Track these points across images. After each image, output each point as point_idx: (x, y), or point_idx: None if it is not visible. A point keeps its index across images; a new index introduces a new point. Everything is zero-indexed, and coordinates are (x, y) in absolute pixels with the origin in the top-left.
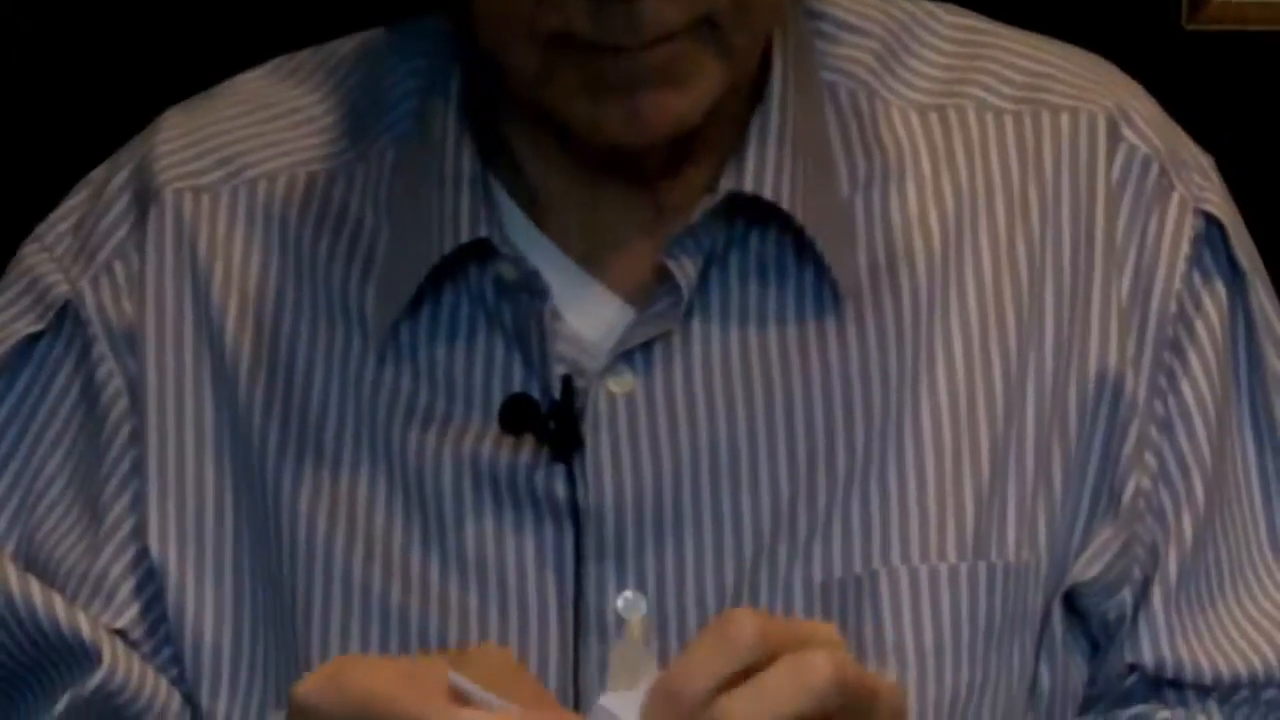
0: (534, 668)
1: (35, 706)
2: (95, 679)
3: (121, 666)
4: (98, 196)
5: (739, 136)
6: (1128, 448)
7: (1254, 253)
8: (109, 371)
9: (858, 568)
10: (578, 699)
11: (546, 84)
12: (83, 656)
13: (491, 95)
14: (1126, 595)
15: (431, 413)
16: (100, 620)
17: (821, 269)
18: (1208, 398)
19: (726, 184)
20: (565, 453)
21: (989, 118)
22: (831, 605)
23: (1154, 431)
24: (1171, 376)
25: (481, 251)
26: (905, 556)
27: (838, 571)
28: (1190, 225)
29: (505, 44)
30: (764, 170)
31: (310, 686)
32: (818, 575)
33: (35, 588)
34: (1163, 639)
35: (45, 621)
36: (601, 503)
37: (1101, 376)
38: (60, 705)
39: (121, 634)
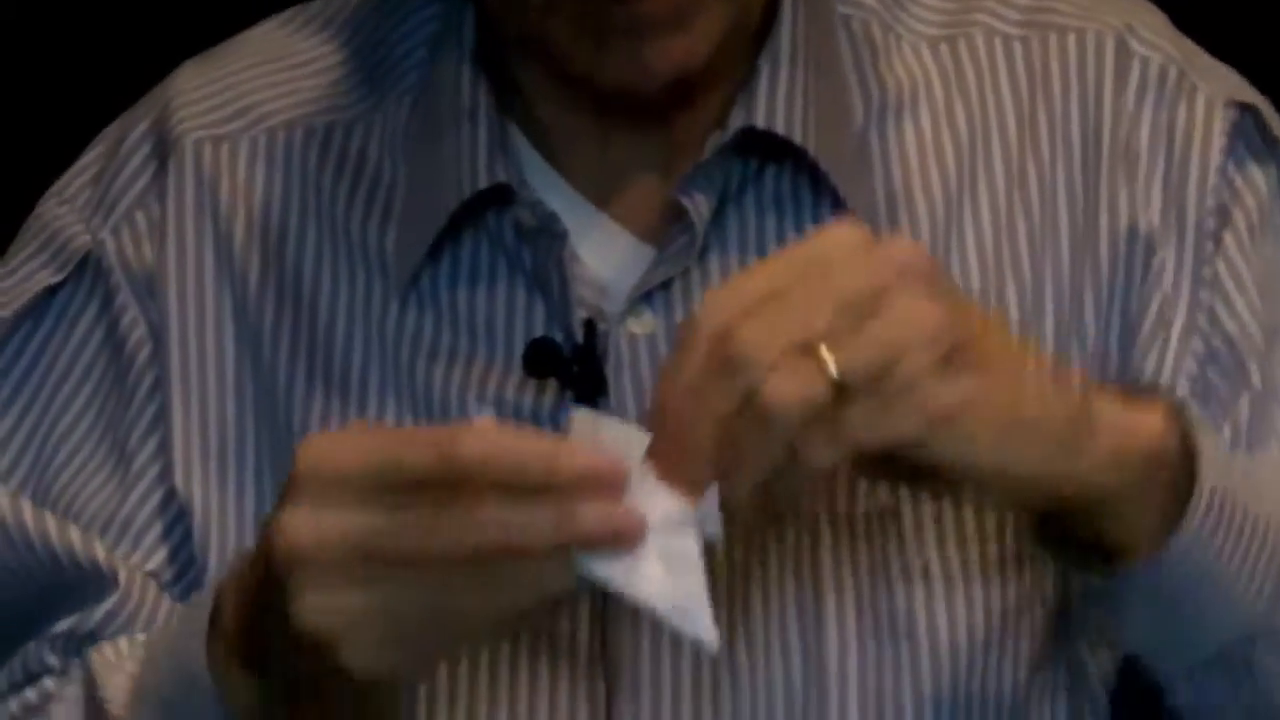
0: (564, 608)
1: (31, 629)
2: (107, 604)
3: (135, 597)
4: (116, 150)
5: (750, 68)
6: (1150, 316)
7: None
8: (133, 319)
9: (883, 497)
10: (605, 643)
11: (551, 29)
12: (95, 584)
13: (502, 40)
14: None
15: (455, 355)
16: (129, 560)
17: (837, 201)
18: (1249, 282)
19: (737, 120)
20: (589, 396)
21: (997, 43)
22: (857, 529)
23: (1201, 319)
24: (1213, 265)
25: (500, 196)
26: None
27: (861, 506)
28: (1221, 117)
29: None
30: (775, 104)
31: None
32: (841, 504)
33: (51, 520)
34: None
35: (60, 550)
36: None
37: (1114, 246)
38: (62, 625)
39: (153, 576)
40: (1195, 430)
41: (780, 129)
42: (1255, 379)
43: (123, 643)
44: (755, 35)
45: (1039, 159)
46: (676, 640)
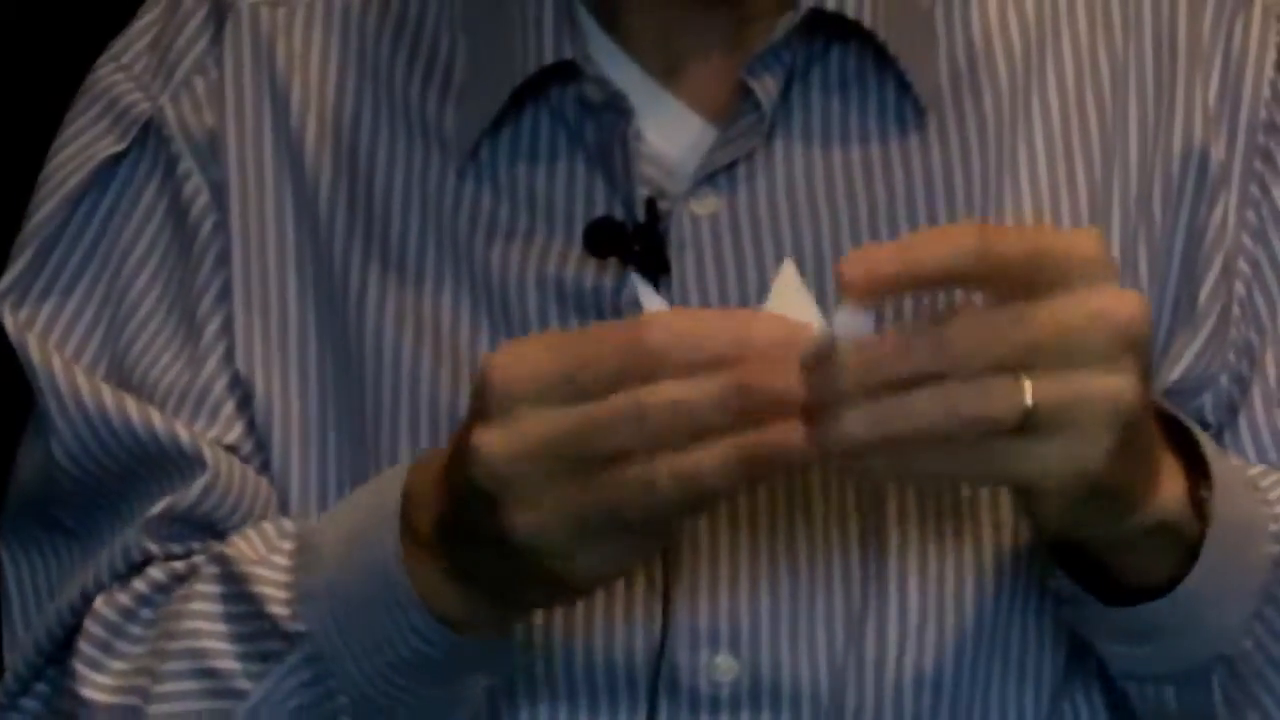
0: None
1: (124, 517)
2: (199, 484)
3: (224, 473)
4: (172, 13)
5: None
6: (1213, 226)
7: None
8: (195, 187)
9: None
10: None
11: None
12: (184, 464)
13: None
14: (1207, 400)
15: (514, 230)
16: (208, 435)
17: (902, 84)
18: None
19: (808, 1)
20: (651, 276)
21: None
22: None
23: (1247, 239)
24: (1263, 183)
25: (564, 71)
26: None
27: None
28: (1277, 31)
29: None
30: None
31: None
32: None
33: (130, 402)
34: (1265, 436)
35: (143, 432)
36: None
37: (1186, 156)
38: (157, 508)
39: (232, 450)
40: (1213, 477)
41: (850, 11)
42: None
43: (254, 538)
44: None
45: (1111, 45)
46: (735, 525)
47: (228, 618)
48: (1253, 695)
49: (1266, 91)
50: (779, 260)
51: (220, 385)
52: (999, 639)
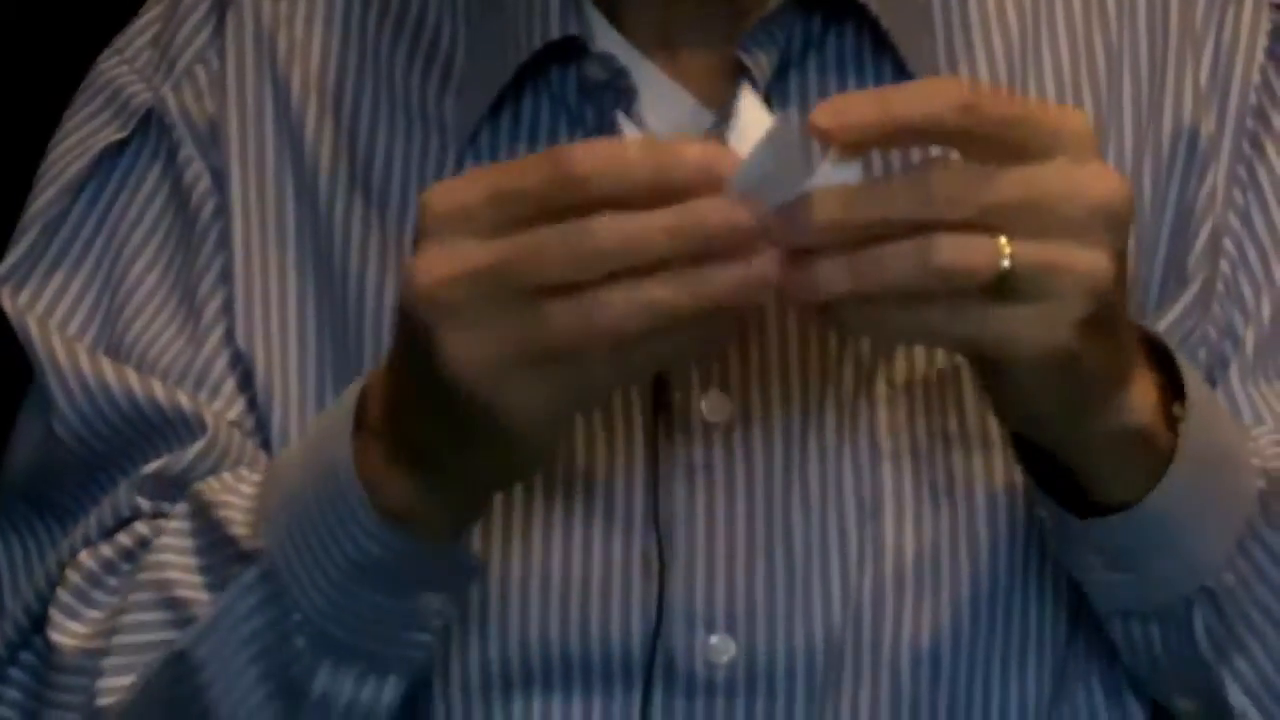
0: (619, 465)
1: (118, 477)
2: (195, 447)
3: (222, 439)
4: (175, 7)
5: None
6: (1202, 197)
7: None
8: (197, 172)
9: (943, 362)
10: (657, 498)
11: None
12: (183, 429)
13: None
14: None
15: None
16: (212, 407)
17: (899, 65)
18: None
19: None
20: None
21: None
22: (916, 403)
23: (1234, 220)
24: (1250, 166)
25: (565, 53)
26: None
27: (921, 372)
28: (1267, 19)
29: None
30: None
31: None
32: (901, 372)
33: (131, 374)
34: (1244, 412)
35: (144, 400)
36: None
37: (1176, 135)
38: (151, 468)
39: (235, 426)
40: (1187, 395)
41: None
42: (1279, 285)
43: (226, 475)
44: None
45: (1106, 30)
46: (731, 505)
47: (195, 549)
48: (1238, 637)
49: (1256, 77)
50: None
51: (221, 363)
52: (999, 617)
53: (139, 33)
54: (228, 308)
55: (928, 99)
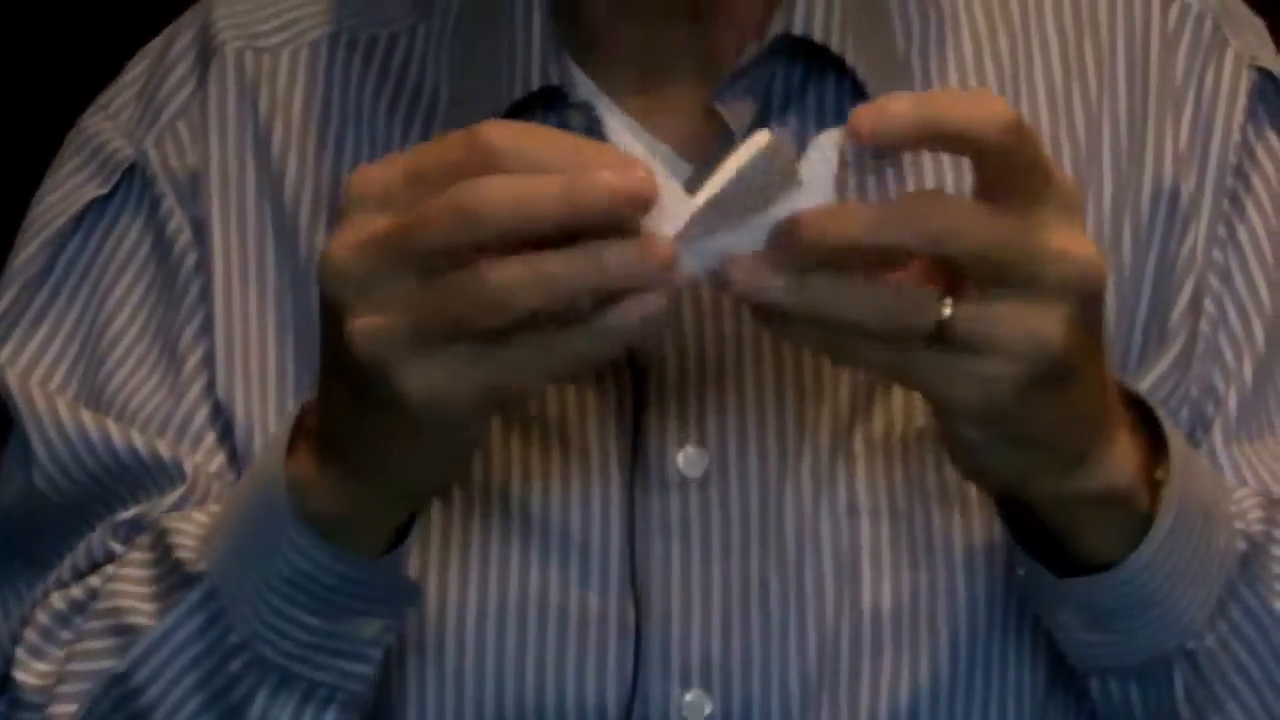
0: (595, 520)
1: (96, 524)
2: (174, 495)
3: (200, 488)
4: (159, 62)
5: None
6: (1183, 256)
7: None
8: (178, 225)
9: (921, 421)
10: (634, 553)
11: None
12: (162, 478)
13: None
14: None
15: None
16: (193, 458)
17: None
18: (1266, 246)
19: (776, 27)
20: None
21: None
22: (894, 460)
23: (1214, 279)
24: (1230, 224)
25: (545, 102)
26: None
27: (899, 425)
28: (1246, 78)
29: None
30: (814, 12)
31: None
32: (879, 428)
33: (111, 424)
34: (1226, 472)
35: (123, 450)
36: (663, 354)
37: (1156, 196)
38: (128, 513)
39: (215, 478)
40: (1168, 456)
41: (818, 36)
42: (1260, 344)
43: (195, 512)
44: None
45: (1085, 91)
46: (707, 560)
47: (148, 578)
48: (1217, 698)
49: (1236, 136)
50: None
51: (202, 415)
52: (977, 673)
53: (124, 88)
54: (209, 360)
55: (976, 109)
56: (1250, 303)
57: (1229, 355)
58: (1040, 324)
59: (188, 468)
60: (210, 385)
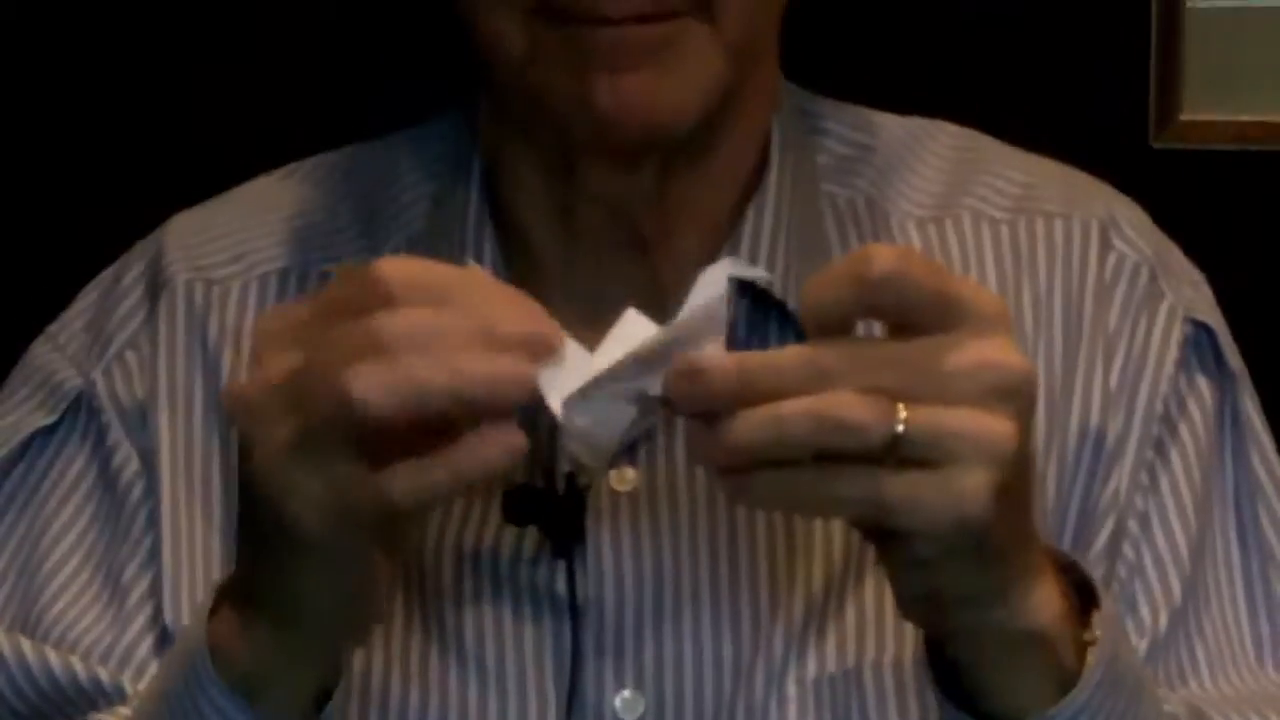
0: None
1: None
2: (119, 711)
3: None
4: (109, 293)
5: (733, 216)
6: (1106, 497)
7: (1240, 362)
8: (125, 456)
9: (850, 663)
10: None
11: (532, 64)
12: (101, 698)
13: (501, 168)
14: None
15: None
16: (135, 687)
17: None
18: (1187, 498)
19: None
20: (567, 547)
21: (984, 225)
22: (824, 701)
23: (1133, 524)
24: (1153, 474)
25: None
26: (898, 656)
27: (830, 666)
28: (1179, 331)
29: (488, 16)
30: (758, 253)
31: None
32: (811, 670)
33: (50, 651)
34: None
35: (63, 677)
36: (601, 598)
37: (1082, 436)
38: None
39: None
40: (1100, 606)
41: (761, 280)
42: (1177, 597)
43: (120, 706)
44: (741, 187)
45: (1021, 331)
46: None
47: None
48: None
49: (1165, 386)
50: (693, 534)
51: (147, 644)
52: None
53: (74, 319)
54: (155, 588)
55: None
56: (1169, 555)
57: (1144, 610)
58: (992, 426)
59: (128, 690)
60: (155, 616)
